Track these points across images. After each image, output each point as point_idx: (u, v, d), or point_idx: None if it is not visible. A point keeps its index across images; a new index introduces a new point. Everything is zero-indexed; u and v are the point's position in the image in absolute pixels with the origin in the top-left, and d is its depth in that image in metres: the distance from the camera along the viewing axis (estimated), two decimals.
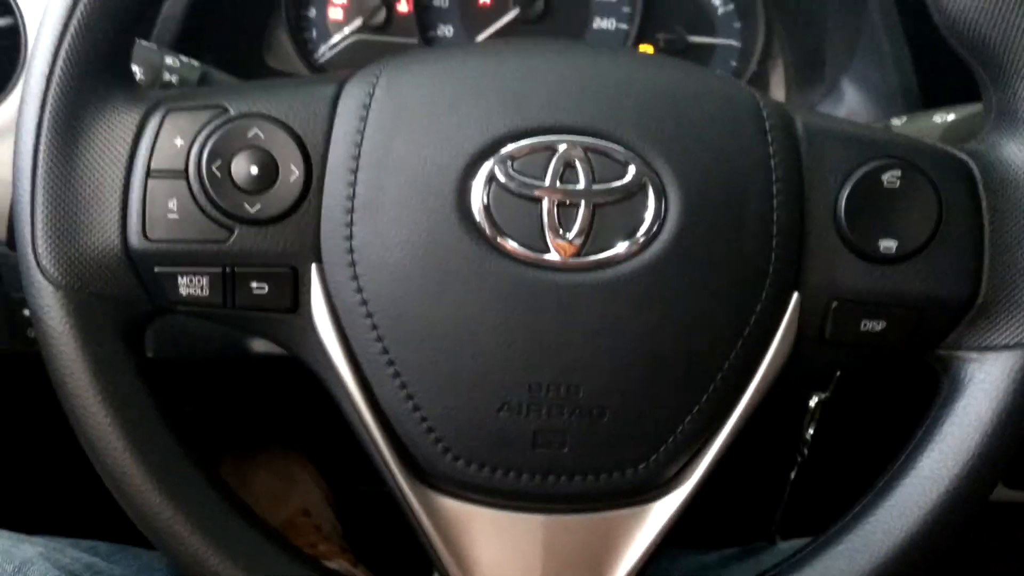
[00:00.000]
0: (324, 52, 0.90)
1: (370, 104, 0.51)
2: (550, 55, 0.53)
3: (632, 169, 0.50)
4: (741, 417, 0.53)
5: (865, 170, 0.52)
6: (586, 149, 0.50)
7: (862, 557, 0.53)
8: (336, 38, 0.90)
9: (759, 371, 0.52)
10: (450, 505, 0.53)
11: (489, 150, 0.50)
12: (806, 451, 0.84)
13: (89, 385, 0.51)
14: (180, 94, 0.52)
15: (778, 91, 0.91)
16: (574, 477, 0.52)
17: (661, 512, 0.53)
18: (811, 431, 0.83)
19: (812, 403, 0.80)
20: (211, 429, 1.18)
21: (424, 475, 0.53)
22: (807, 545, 0.56)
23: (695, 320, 0.51)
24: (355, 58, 0.89)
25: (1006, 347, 0.53)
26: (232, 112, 0.51)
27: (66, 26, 0.49)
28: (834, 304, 0.52)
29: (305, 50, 0.89)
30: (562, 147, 0.50)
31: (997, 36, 0.51)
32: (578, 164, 0.50)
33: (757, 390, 0.53)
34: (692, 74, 0.54)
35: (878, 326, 0.53)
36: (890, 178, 0.52)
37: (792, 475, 0.82)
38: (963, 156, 0.54)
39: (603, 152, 0.50)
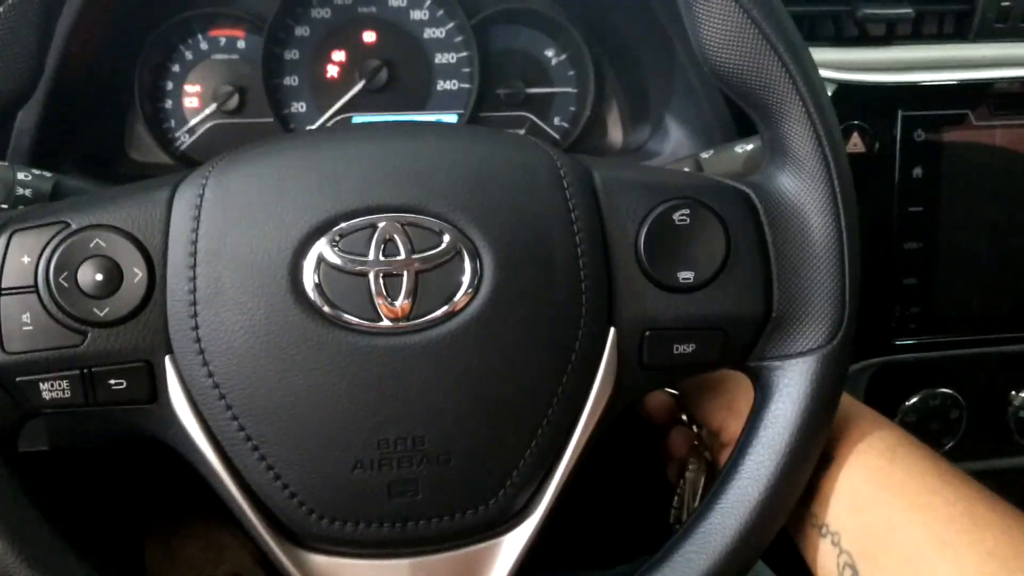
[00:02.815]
0: (184, 140, 0.94)
1: (201, 203, 0.55)
2: (363, 140, 0.58)
3: (447, 237, 0.55)
4: (579, 445, 0.58)
5: (658, 211, 0.58)
6: (403, 224, 0.55)
7: (700, 559, 0.59)
8: (193, 125, 0.94)
9: (588, 403, 0.58)
10: (321, 561, 0.57)
11: (315, 234, 0.55)
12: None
13: None
14: (24, 214, 0.56)
15: (615, 130, 0.98)
16: (431, 520, 0.57)
17: (515, 542, 0.58)
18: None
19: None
20: (134, 508, 1.19)
21: (294, 536, 0.57)
22: (655, 554, 0.61)
23: (519, 366, 0.56)
24: (214, 142, 0.93)
25: (801, 353, 0.59)
26: (74, 226, 0.55)
27: None
28: (647, 333, 0.58)
29: (165, 140, 0.93)
30: (382, 224, 0.55)
31: (759, 85, 0.58)
32: (397, 238, 0.55)
33: (589, 419, 0.58)
34: (495, 144, 0.59)
35: (689, 348, 0.59)
36: (680, 216, 0.58)
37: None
38: (745, 188, 0.60)
39: (418, 225, 0.55)
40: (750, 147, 0.72)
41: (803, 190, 0.59)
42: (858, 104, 0.80)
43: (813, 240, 0.58)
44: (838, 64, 0.81)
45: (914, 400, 0.88)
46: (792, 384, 0.59)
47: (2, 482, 0.55)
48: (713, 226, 0.58)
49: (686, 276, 0.58)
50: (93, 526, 1.07)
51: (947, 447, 0.90)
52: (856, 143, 0.80)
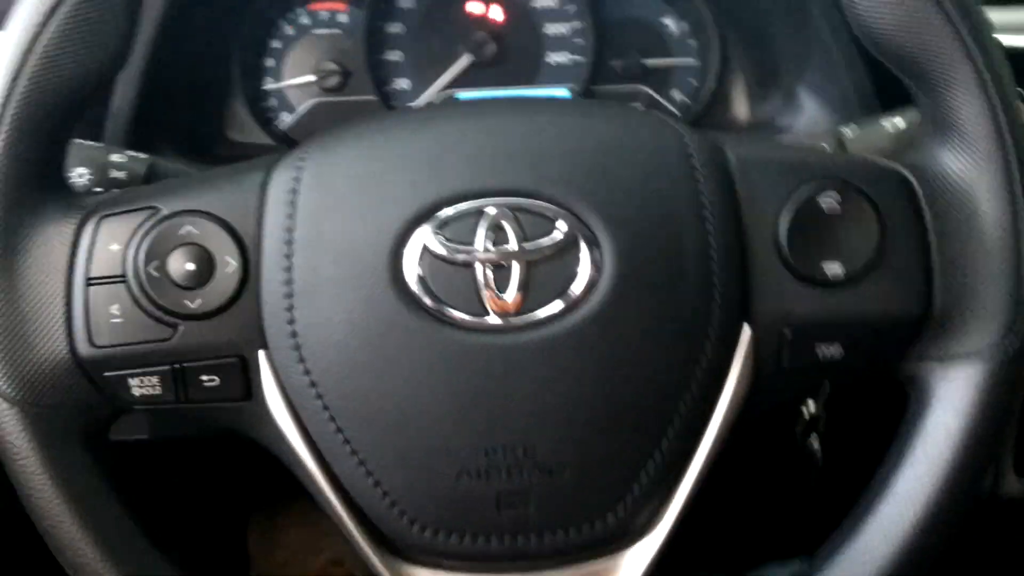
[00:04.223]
0: (284, 119, 0.90)
1: (298, 188, 0.51)
2: (469, 118, 0.53)
3: (562, 225, 0.50)
4: (708, 456, 0.52)
5: (801, 194, 0.52)
6: (513, 209, 0.50)
7: None
8: (294, 104, 0.90)
9: (718, 409, 0.52)
10: (423, 574, 0.53)
11: (417, 221, 0.50)
12: (819, 460, 0.82)
13: (55, 500, 0.51)
14: (114, 198, 0.53)
15: (740, 105, 0.90)
16: (543, 534, 0.52)
17: (637, 558, 0.53)
18: (816, 442, 0.82)
19: (806, 414, 0.79)
20: (237, 494, 1.19)
21: (394, 546, 0.53)
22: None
23: (642, 368, 0.50)
24: (315, 121, 0.90)
25: (966, 355, 0.52)
26: (164, 211, 0.51)
27: None
28: (787, 332, 0.52)
29: (264, 119, 0.90)
30: (489, 210, 0.50)
31: (919, 50, 0.50)
32: (506, 225, 0.50)
33: (720, 428, 0.52)
34: (615, 120, 0.54)
35: (835, 350, 0.52)
36: (827, 200, 0.52)
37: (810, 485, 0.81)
38: (901, 169, 0.53)
39: (530, 211, 0.50)
40: (901, 123, 0.64)
41: (972, 171, 0.51)
42: (1017, 71, 0.71)
43: (984, 228, 0.51)
44: (1000, 26, 0.72)
45: None
46: (954, 392, 0.52)
47: (94, 483, 0.53)
48: (865, 211, 0.51)
49: (833, 268, 0.51)
50: (196, 513, 1.06)
51: None
52: (1019, 114, 0.71)
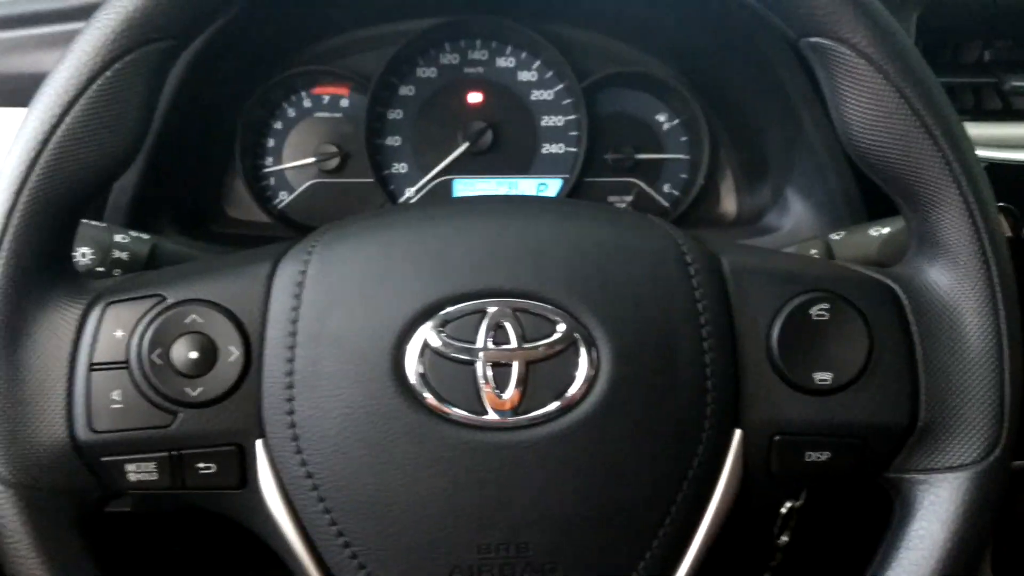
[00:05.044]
0: (283, 198, 0.92)
1: (304, 281, 0.52)
2: (474, 217, 0.54)
3: (561, 326, 0.51)
4: (696, 557, 0.53)
5: (794, 305, 0.53)
6: (514, 309, 0.51)
7: None
8: (293, 184, 0.92)
9: (708, 511, 0.53)
10: None
11: (420, 318, 0.51)
12: (779, 557, 0.83)
13: None
14: (119, 284, 0.54)
15: (728, 201, 0.93)
16: None
17: None
18: (785, 538, 0.82)
19: (784, 510, 0.79)
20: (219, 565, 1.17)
21: None
22: None
23: (636, 469, 0.51)
24: (313, 201, 0.91)
25: (951, 468, 0.53)
26: (169, 300, 0.52)
27: (5, 228, 0.50)
28: (777, 438, 0.53)
29: (264, 198, 0.91)
30: (492, 309, 0.51)
31: (907, 169, 0.52)
32: (507, 324, 0.51)
33: (709, 529, 0.53)
34: (614, 224, 0.55)
35: (823, 456, 0.53)
36: (819, 311, 0.53)
37: None
38: (889, 282, 0.54)
39: (531, 311, 0.51)
40: (887, 230, 0.66)
41: (957, 286, 0.53)
42: (1002, 184, 0.74)
43: (968, 342, 0.53)
44: (981, 140, 0.75)
45: None
46: (940, 503, 0.53)
47: (84, 566, 0.52)
48: (854, 323, 0.53)
49: (823, 377, 0.53)
50: None
51: None
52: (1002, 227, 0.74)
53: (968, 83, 0.78)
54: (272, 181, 0.92)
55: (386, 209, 0.59)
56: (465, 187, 0.92)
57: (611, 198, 0.93)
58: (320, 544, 0.52)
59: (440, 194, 0.92)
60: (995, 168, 0.74)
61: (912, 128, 0.52)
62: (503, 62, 0.91)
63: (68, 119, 0.50)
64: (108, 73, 0.50)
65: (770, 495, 0.55)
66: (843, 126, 0.54)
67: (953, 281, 0.53)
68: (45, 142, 0.50)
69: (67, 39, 0.53)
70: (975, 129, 0.76)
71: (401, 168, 0.92)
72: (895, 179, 0.54)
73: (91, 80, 0.50)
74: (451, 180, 0.92)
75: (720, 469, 0.53)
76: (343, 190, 0.92)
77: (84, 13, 0.71)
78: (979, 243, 0.52)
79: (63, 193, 0.51)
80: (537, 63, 0.91)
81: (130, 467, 0.52)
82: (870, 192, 0.77)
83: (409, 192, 0.92)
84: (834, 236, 0.68)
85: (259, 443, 0.52)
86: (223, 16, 0.52)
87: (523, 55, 0.91)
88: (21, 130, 0.51)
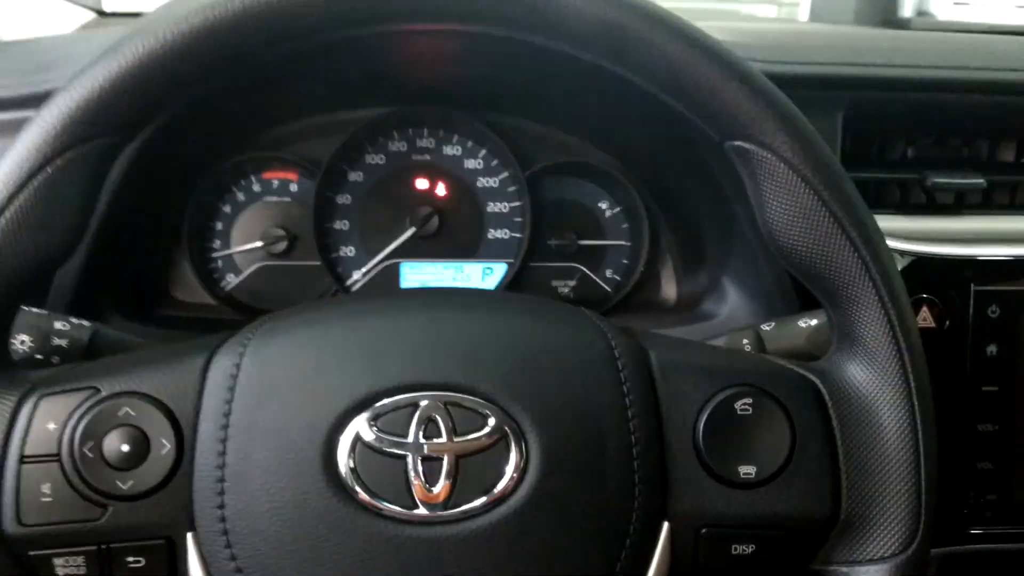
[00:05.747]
0: (230, 281, 0.92)
1: (238, 375, 0.53)
2: (407, 311, 0.56)
3: (491, 420, 0.52)
4: None
5: (719, 399, 0.54)
6: (446, 403, 0.52)
7: None
8: (241, 267, 0.93)
9: None
10: None
11: (353, 412, 0.52)
12: None
13: None
14: (54, 376, 0.54)
15: (669, 286, 0.95)
16: None
17: None
18: None
19: None
20: None
21: None
22: None
23: (565, 562, 0.52)
24: (260, 284, 0.92)
25: (872, 561, 0.54)
26: (103, 392, 0.52)
27: None
28: (704, 531, 0.54)
29: (211, 280, 0.92)
30: (423, 403, 0.52)
31: (828, 268, 0.55)
32: (439, 418, 0.52)
33: None
34: (546, 318, 0.57)
35: (748, 549, 0.54)
36: (743, 405, 0.54)
37: None
38: (811, 376, 0.56)
39: (463, 405, 0.52)
40: (814, 322, 0.69)
41: (874, 382, 0.55)
42: (927, 277, 0.77)
43: (886, 438, 0.54)
44: (906, 233, 0.78)
45: None
46: None
47: None
48: (778, 418, 0.55)
49: (747, 471, 0.54)
50: None
51: None
52: (925, 318, 0.76)
53: (894, 178, 0.81)
54: (219, 264, 0.92)
55: (321, 301, 0.59)
56: (412, 271, 0.94)
57: (555, 282, 0.95)
58: None
59: (387, 277, 0.93)
60: (920, 261, 0.77)
61: (830, 229, 0.54)
62: (450, 150, 0.93)
63: (8, 212, 0.51)
64: (48, 169, 0.51)
65: None
66: (766, 225, 0.56)
67: (870, 376, 0.55)
68: None
69: (11, 128, 0.53)
70: (901, 223, 0.79)
71: (349, 252, 0.93)
72: (815, 277, 0.56)
73: (32, 175, 0.51)
74: (398, 264, 0.93)
75: (649, 562, 0.53)
76: (291, 273, 0.93)
77: (36, 101, 0.72)
78: (894, 339, 0.54)
79: (1, 289, 0.51)
80: (483, 152, 0.93)
81: (58, 561, 0.51)
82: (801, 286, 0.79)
83: (356, 275, 0.93)
84: (765, 327, 0.70)
85: (189, 537, 0.52)
86: (166, 112, 0.53)
87: (469, 144, 0.93)
88: None
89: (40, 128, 0.51)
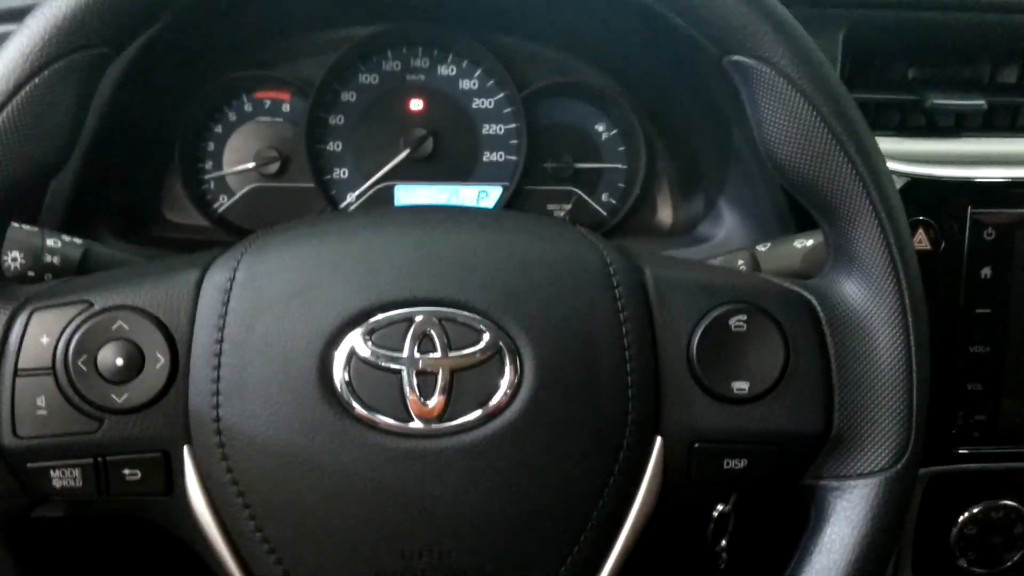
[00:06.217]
0: (222, 202, 0.92)
1: (231, 288, 0.53)
2: (402, 227, 0.55)
3: (486, 335, 0.52)
4: (618, 560, 0.54)
5: (713, 316, 0.55)
6: (440, 319, 0.52)
7: None
8: (233, 188, 0.92)
9: (630, 516, 0.54)
10: None
11: (347, 327, 0.52)
12: (724, 559, 0.85)
13: None
14: (47, 290, 0.54)
15: (665, 210, 0.94)
16: None
17: None
18: (724, 542, 0.84)
19: (715, 513, 0.81)
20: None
21: None
22: None
23: (558, 476, 0.52)
24: (253, 206, 0.91)
25: (862, 475, 0.55)
26: (97, 306, 0.52)
27: None
28: (696, 445, 0.55)
29: (203, 202, 0.91)
30: (418, 318, 0.52)
31: (825, 185, 0.54)
32: (433, 333, 0.52)
33: (630, 533, 0.54)
34: (541, 235, 0.56)
35: (740, 463, 0.55)
36: (737, 322, 0.55)
37: None
38: (806, 294, 0.56)
39: (457, 320, 0.52)
40: (810, 243, 0.68)
41: (869, 300, 0.55)
42: (924, 199, 0.76)
43: (879, 355, 0.54)
44: (904, 155, 0.77)
45: (975, 511, 0.83)
46: (851, 508, 0.55)
47: (8, 571, 0.52)
48: (772, 334, 0.55)
49: (740, 387, 0.54)
50: None
51: (1009, 563, 0.84)
52: (921, 240, 0.76)
53: (893, 100, 0.80)
54: (212, 185, 0.91)
55: (315, 217, 0.59)
56: (406, 193, 0.93)
57: (550, 206, 0.94)
58: (244, 550, 0.52)
59: (381, 200, 0.93)
60: (918, 183, 0.76)
61: (828, 144, 0.54)
62: (444, 70, 0.92)
63: None
64: (36, 80, 0.50)
65: (691, 501, 0.57)
66: (764, 142, 0.56)
67: (866, 294, 0.55)
68: None
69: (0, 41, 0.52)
70: (900, 145, 0.79)
71: (342, 173, 0.92)
72: (812, 193, 0.56)
73: (19, 86, 0.50)
74: (392, 186, 0.93)
75: (641, 476, 0.54)
76: (283, 195, 0.92)
77: (19, 15, 0.71)
78: (890, 257, 0.54)
79: None
80: (478, 72, 0.92)
81: (55, 473, 0.52)
82: (799, 205, 0.79)
83: (350, 197, 0.92)
84: (760, 248, 0.70)
85: (185, 450, 0.52)
86: (156, 23, 0.52)
87: (464, 63, 0.92)
88: None
89: (27, 38, 0.50)
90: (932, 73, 0.83)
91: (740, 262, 0.69)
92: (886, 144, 0.72)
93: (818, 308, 0.56)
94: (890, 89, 0.81)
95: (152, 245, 0.84)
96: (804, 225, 0.72)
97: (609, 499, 0.53)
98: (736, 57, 0.54)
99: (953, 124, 0.81)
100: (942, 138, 0.81)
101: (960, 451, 0.80)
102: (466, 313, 0.52)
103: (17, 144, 0.51)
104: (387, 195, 0.93)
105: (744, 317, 0.55)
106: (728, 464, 0.55)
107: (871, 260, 0.55)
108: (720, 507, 0.82)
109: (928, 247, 0.76)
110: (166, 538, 0.56)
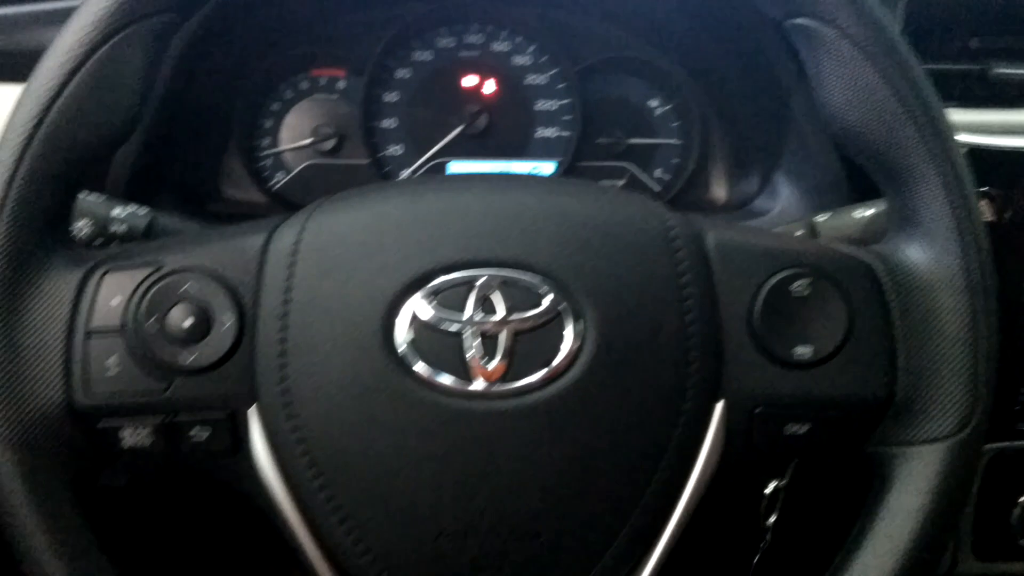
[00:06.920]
0: (279, 179, 0.93)
1: (298, 250, 0.53)
2: (464, 192, 0.56)
3: (548, 297, 0.52)
4: (678, 525, 0.54)
5: (775, 281, 0.54)
6: (503, 281, 0.52)
7: None
8: (289, 165, 0.93)
9: (690, 480, 0.54)
10: None
11: (411, 288, 0.52)
12: (768, 538, 0.84)
13: (41, 544, 0.52)
14: (118, 253, 0.55)
15: (719, 186, 0.94)
16: None
17: None
18: (772, 519, 0.83)
19: (768, 491, 0.81)
20: (220, 544, 1.18)
21: None
22: None
23: (619, 438, 0.52)
24: (309, 182, 0.93)
25: (926, 441, 0.54)
26: (166, 268, 0.53)
27: (6, 195, 0.52)
28: (758, 411, 0.54)
29: (260, 178, 0.92)
30: (480, 280, 0.52)
31: (886, 148, 0.54)
32: (496, 296, 0.52)
33: (691, 498, 0.54)
34: (602, 200, 0.56)
35: (802, 429, 0.55)
36: (799, 287, 0.54)
37: (755, 563, 0.82)
38: (868, 259, 0.56)
39: (519, 283, 0.52)
40: (870, 212, 0.68)
41: (934, 265, 0.54)
42: (988, 169, 0.75)
43: (944, 320, 0.54)
44: (967, 126, 0.76)
45: None
46: (916, 474, 0.54)
47: (79, 529, 0.54)
48: (834, 299, 0.54)
49: (803, 351, 0.54)
50: (178, 561, 1.06)
51: None
52: (984, 211, 0.75)
53: (955, 70, 0.79)
54: (269, 161, 0.93)
55: (379, 184, 0.60)
56: (460, 169, 0.93)
57: (603, 182, 0.94)
58: (310, 507, 0.53)
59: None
60: (980, 153, 0.75)
61: (892, 108, 0.53)
62: (498, 46, 0.92)
63: (66, 92, 0.51)
64: (106, 47, 0.51)
65: (751, 468, 0.56)
66: (825, 106, 0.55)
67: (930, 259, 0.54)
68: (44, 114, 0.51)
69: (65, 16, 0.54)
70: (962, 115, 0.77)
71: (397, 150, 0.93)
72: (875, 158, 0.55)
73: (89, 54, 0.51)
74: (446, 162, 0.93)
75: (702, 440, 0.54)
76: (339, 171, 0.93)
77: None
78: (956, 220, 0.54)
79: (61, 164, 0.52)
80: (532, 47, 0.92)
81: (125, 432, 0.53)
82: (856, 178, 0.78)
83: (404, 174, 0.93)
84: (819, 218, 0.69)
85: (252, 409, 0.53)
86: None
87: (518, 39, 0.92)
88: (20, 103, 0.52)
89: (97, 6, 0.51)
90: (994, 42, 0.81)
91: (799, 232, 0.69)
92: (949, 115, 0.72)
93: (881, 273, 0.55)
94: (952, 59, 0.79)
95: (210, 219, 0.86)
96: (860, 197, 0.71)
97: (669, 462, 0.53)
98: (799, 20, 0.54)
99: (1017, 94, 0.80)
100: (1006, 108, 0.79)
101: (1023, 427, 0.79)
102: (528, 275, 0.53)
103: (87, 111, 0.52)
104: (441, 171, 0.93)
105: (806, 281, 0.54)
106: (790, 430, 0.55)
107: (936, 224, 0.54)
108: (774, 483, 0.81)
109: (992, 219, 0.75)
110: (224, 507, 0.57)
